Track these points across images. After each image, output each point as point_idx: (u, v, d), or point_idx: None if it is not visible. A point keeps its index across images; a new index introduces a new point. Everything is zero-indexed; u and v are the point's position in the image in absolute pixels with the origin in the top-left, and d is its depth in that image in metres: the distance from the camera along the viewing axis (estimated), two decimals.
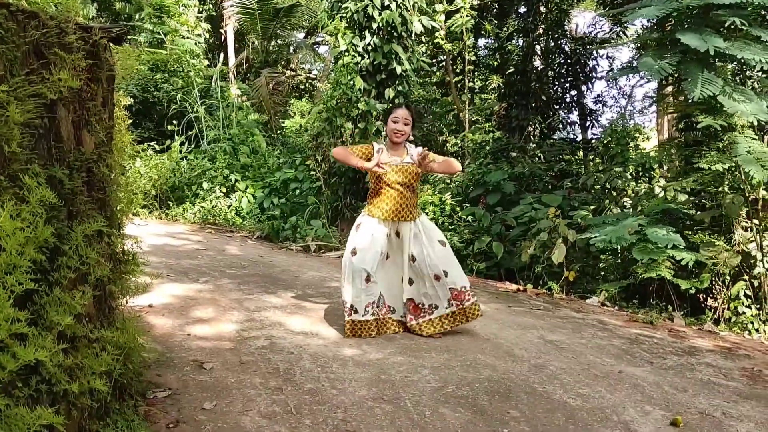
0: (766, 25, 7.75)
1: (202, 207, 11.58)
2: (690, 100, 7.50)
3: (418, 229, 5.40)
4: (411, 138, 5.54)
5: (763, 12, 7.42)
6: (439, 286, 5.39)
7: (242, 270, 7.42)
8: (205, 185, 11.97)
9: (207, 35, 17.55)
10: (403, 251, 5.41)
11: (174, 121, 13.06)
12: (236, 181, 12.17)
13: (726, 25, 7.43)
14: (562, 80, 16.82)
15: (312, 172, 11.54)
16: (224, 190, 12.05)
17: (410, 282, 5.45)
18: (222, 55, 19.15)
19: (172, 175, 12.13)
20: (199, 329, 4.94)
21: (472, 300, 5.51)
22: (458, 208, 10.61)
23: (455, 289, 5.41)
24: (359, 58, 11.11)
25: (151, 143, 12.66)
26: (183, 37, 15.10)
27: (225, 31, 19.22)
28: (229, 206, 11.79)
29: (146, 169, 11.84)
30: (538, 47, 16.07)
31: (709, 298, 7.87)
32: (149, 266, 6.20)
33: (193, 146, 13.36)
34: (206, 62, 15.47)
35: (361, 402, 3.84)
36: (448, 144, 14.39)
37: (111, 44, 3.03)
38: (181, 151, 12.75)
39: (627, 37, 15.62)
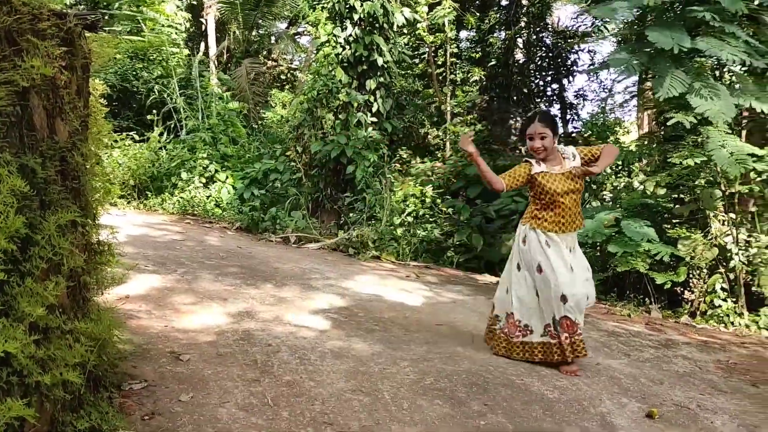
0: (739, 22, 7.80)
1: (181, 197, 11.49)
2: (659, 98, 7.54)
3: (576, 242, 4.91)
4: (555, 143, 4.82)
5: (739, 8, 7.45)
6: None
7: (221, 261, 7.38)
8: (184, 175, 11.87)
9: (187, 24, 17.38)
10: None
11: (153, 111, 12.93)
12: (216, 171, 12.08)
13: (702, 20, 7.46)
14: (544, 73, 16.85)
15: (292, 163, 11.49)
16: (203, 180, 11.96)
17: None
18: (203, 44, 18.98)
19: (150, 165, 12.02)
20: (176, 321, 4.90)
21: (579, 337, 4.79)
22: (439, 201, 10.61)
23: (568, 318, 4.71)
24: (340, 49, 11.05)
25: (130, 133, 12.52)
26: (163, 26, 14.96)
27: (206, 21, 19.04)
28: (208, 197, 11.71)
29: (124, 159, 11.72)
30: (519, 40, 16.10)
31: (686, 291, 7.93)
32: (126, 257, 6.14)
33: (172, 136, 13.23)
34: (186, 51, 15.30)
35: (339, 394, 3.83)
36: (429, 136, 14.36)
37: (86, 32, 2.98)
38: (160, 141, 12.63)
39: (608, 31, 15.66)
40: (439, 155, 13.90)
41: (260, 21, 20.81)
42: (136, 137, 12.51)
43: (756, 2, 7.50)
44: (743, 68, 8.34)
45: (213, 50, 18.52)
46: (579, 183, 4.76)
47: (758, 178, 7.74)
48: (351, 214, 10.59)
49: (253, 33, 21.15)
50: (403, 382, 4.15)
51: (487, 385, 4.25)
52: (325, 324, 5.31)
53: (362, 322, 5.49)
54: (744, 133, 8.71)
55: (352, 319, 5.57)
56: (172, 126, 13.43)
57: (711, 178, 7.97)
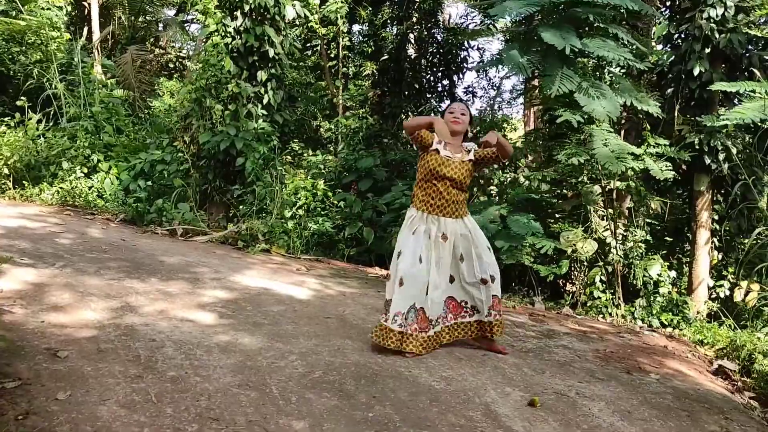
0: (623, 24, 8.17)
1: (61, 188, 10.98)
2: (550, 96, 7.80)
3: (467, 229, 5.12)
4: (469, 136, 5.28)
5: (621, 11, 7.79)
6: (485, 289, 5.12)
7: (103, 254, 7.10)
8: (64, 165, 11.34)
9: (69, 8, 16.59)
10: (449, 250, 5.10)
11: (25, 97, 12.27)
12: (98, 161, 11.61)
13: (586, 21, 7.77)
14: (435, 69, 17.05)
15: (180, 154, 11.19)
16: (85, 170, 11.47)
17: (451, 280, 5.17)
18: (86, 29, 18.20)
19: (27, 153, 11.44)
20: (54, 316, 4.68)
21: (502, 316, 5.29)
22: (330, 194, 10.60)
23: (496, 297, 5.16)
24: (230, 39, 10.85)
25: (5, 119, 11.87)
26: (42, 8, 14.23)
27: (88, 4, 18.25)
28: (90, 187, 11.24)
29: None
30: (411, 36, 16.22)
31: (568, 284, 8.25)
32: None
33: (51, 123, 12.62)
34: (68, 36, 14.60)
35: (225, 389, 3.76)
36: (321, 129, 14.32)
37: None
38: (38, 129, 12.02)
39: (497, 29, 16.06)
40: (331, 148, 13.89)
41: (147, 7, 20.21)
42: (12, 123, 11.87)
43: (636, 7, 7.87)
44: (621, 70, 8.74)
45: (96, 35, 17.80)
46: (464, 176, 5.07)
47: (635, 175, 8.14)
48: (241, 207, 10.43)
49: (140, 19, 20.50)
50: (291, 375, 4.12)
51: (375, 377, 4.28)
52: (212, 318, 5.21)
53: (250, 316, 5.42)
54: (622, 132, 9.14)
55: (240, 313, 5.49)
56: (52, 113, 12.81)
57: (593, 175, 8.31)
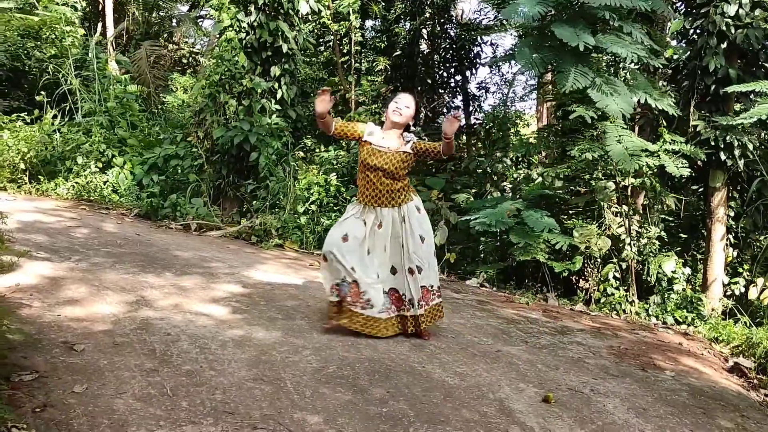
0: (637, 20, 8.11)
1: (76, 182, 11.03)
2: (564, 92, 7.76)
3: (405, 216, 5.09)
4: (411, 128, 5.24)
5: (634, 7, 7.75)
6: (412, 280, 5.08)
7: (118, 248, 7.14)
8: (79, 160, 11.38)
9: (83, 3, 16.64)
10: (386, 238, 5.10)
11: (43, 92, 12.33)
12: (113, 156, 11.65)
13: (601, 18, 7.72)
14: (447, 65, 17.03)
15: (194, 149, 11.22)
16: (100, 165, 11.51)
17: (393, 271, 5.15)
18: (100, 25, 18.26)
19: (43, 148, 11.50)
20: (70, 310, 4.71)
21: (437, 300, 5.25)
22: (343, 189, 10.61)
23: (425, 287, 5.12)
24: (244, 34, 10.86)
25: (21, 114, 11.93)
26: (57, 4, 14.27)
27: (103, 0, 18.32)
28: (105, 182, 11.28)
29: (14, 141, 11.17)
30: (424, 31, 16.20)
31: (581, 280, 8.22)
32: (17, 243, 5.89)
33: (67, 119, 12.68)
34: (82, 31, 14.64)
35: (240, 383, 3.78)
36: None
37: None
38: (53, 124, 12.08)
39: (510, 25, 16.00)
40: (343, 144, 13.89)
41: (161, 2, 20.25)
42: (28, 119, 11.93)
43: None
44: (636, 65, 8.68)
45: (111, 31, 17.85)
46: (395, 167, 5.03)
47: (650, 172, 8.09)
48: (254, 202, 10.45)
49: (153, 15, 20.55)
50: (305, 370, 4.13)
51: (389, 372, 4.28)
52: (227, 312, 5.23)
53: (264, 311, 5.43)
54: (636, 128, 9.09)
55: (254, 307, 5.51)
56: (67, 108, 12.87)
57: (607, 171, 8.28)
